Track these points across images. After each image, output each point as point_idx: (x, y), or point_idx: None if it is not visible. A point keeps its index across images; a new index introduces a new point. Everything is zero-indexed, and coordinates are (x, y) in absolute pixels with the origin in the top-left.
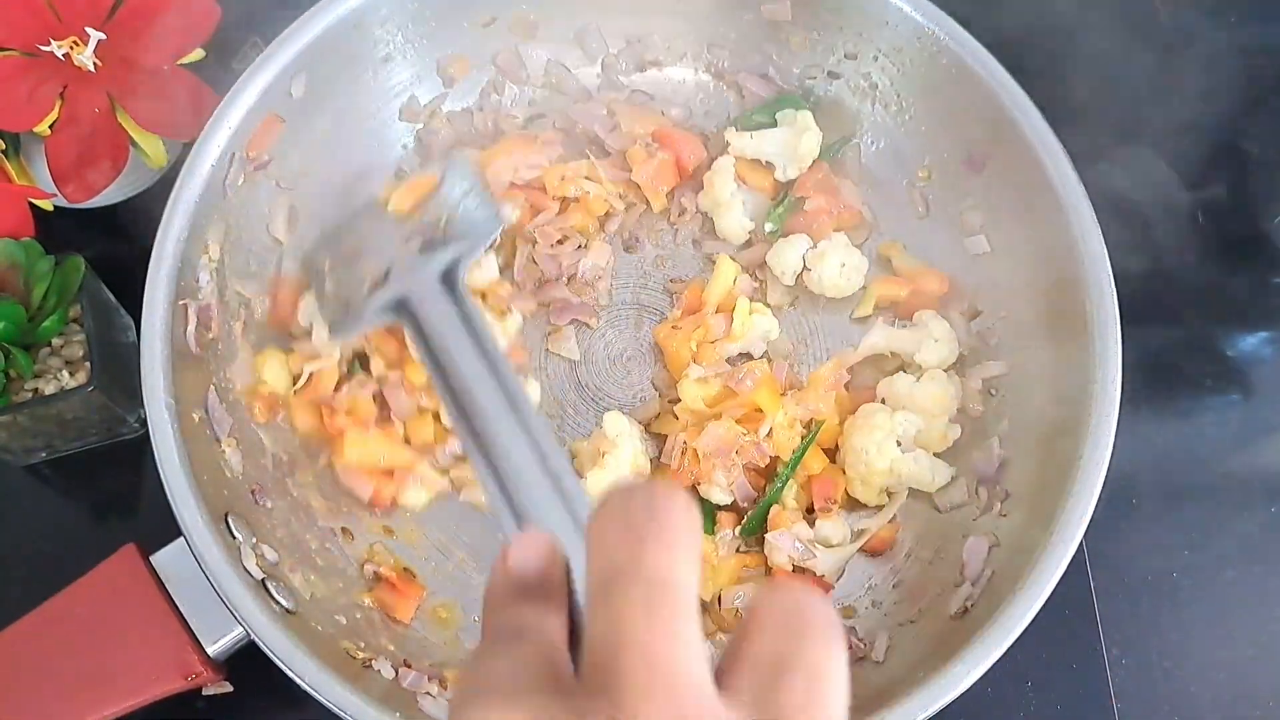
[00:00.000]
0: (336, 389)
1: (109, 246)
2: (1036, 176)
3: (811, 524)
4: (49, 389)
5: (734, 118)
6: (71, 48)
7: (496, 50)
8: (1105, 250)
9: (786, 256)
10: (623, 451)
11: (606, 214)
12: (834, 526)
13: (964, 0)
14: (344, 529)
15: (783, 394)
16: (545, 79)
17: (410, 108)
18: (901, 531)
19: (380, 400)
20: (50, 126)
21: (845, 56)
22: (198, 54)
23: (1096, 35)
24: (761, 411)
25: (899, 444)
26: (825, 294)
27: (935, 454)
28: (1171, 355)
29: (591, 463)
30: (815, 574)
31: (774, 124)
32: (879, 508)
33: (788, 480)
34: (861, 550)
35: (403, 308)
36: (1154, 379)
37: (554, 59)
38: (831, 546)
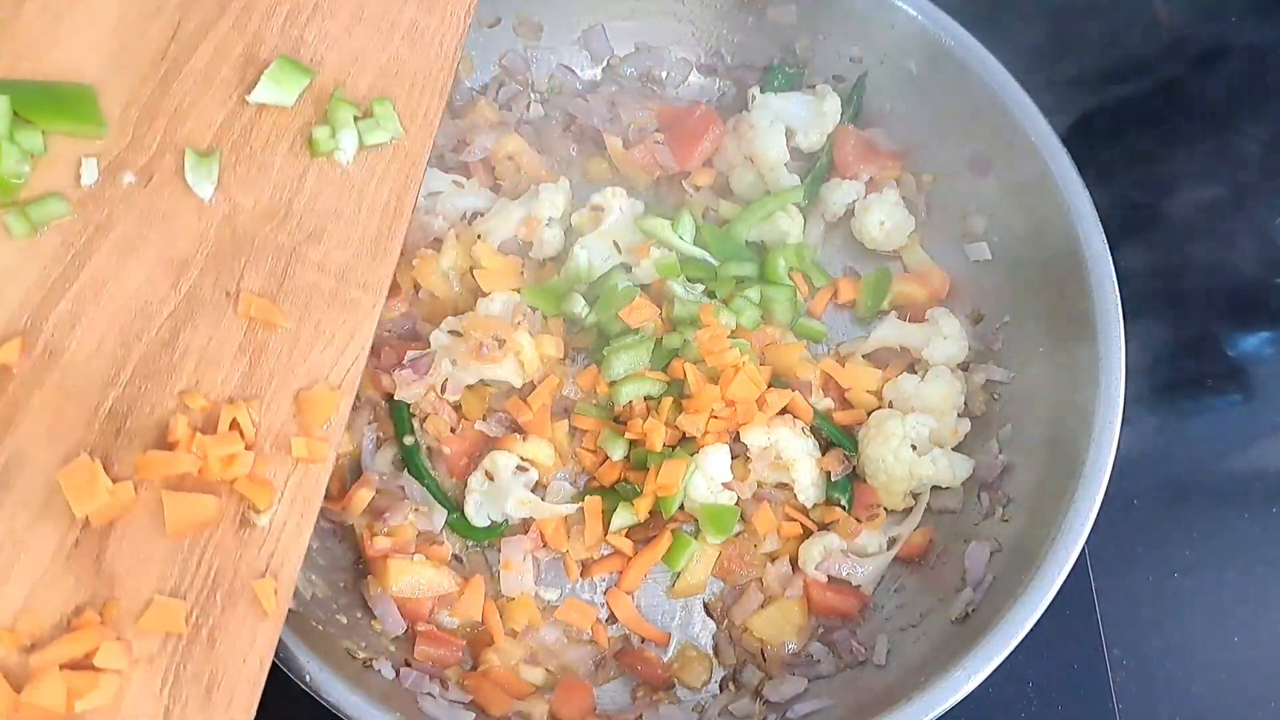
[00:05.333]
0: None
1: None
2: (1040, 180)
3: (853, 534)
4: None
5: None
6: None
7: (502, 51)
8: (1109, 255)
9: (834, 197)
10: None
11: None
12: (871, 536)
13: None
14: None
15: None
16: (550, 83)
17: None
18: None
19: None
20: None
21: (850, 60)
22: None
23: (1097, 35)
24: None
25: (914, 447)
26: (864, 244)
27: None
28: (1172, 356)
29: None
30: (851, 585)
31: (798, 86)
32: (907, 511)
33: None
34: (896, 558)
35: None
36: (1155, 379)
37: (560, 62)
38: (868, 556)
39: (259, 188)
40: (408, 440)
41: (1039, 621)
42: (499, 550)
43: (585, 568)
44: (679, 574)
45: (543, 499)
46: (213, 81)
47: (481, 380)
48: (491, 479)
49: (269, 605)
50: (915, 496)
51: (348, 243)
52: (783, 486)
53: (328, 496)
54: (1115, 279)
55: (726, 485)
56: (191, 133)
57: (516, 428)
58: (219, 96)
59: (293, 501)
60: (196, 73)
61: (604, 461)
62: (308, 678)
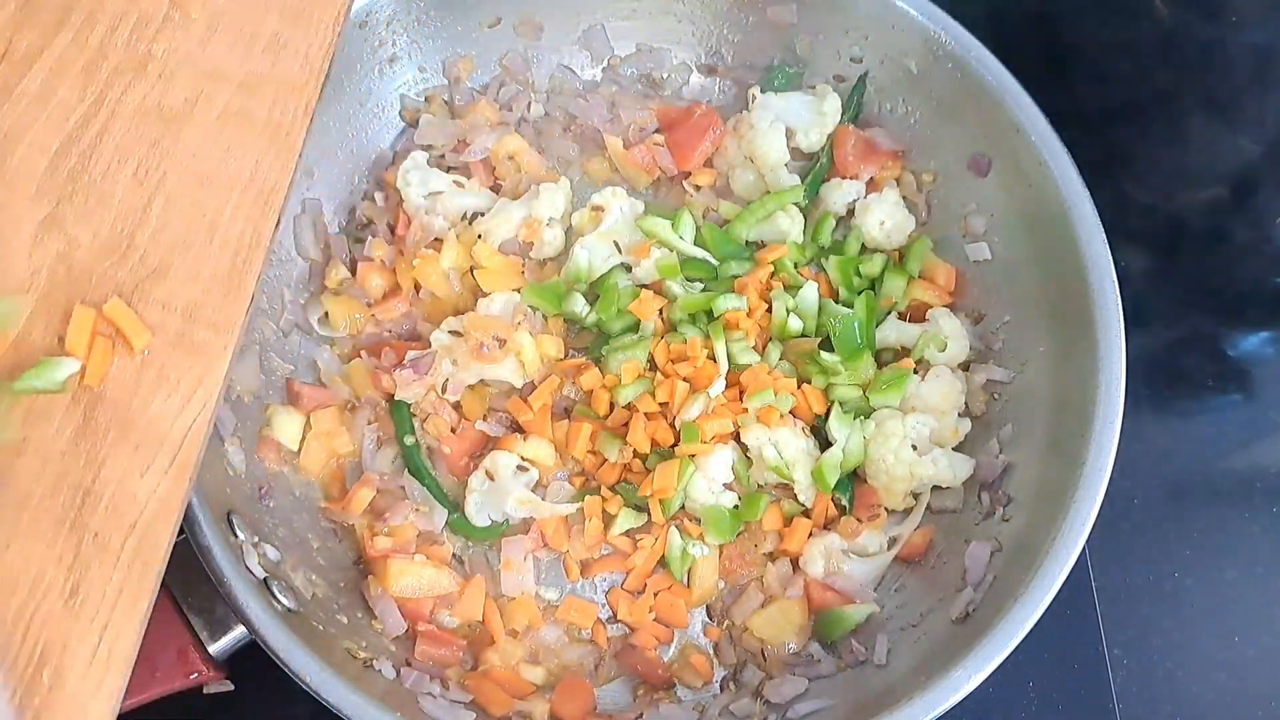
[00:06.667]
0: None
1: None
2: (1041, 179)
3: (854, 534)
4: None
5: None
6: None
7: (503, 51)
8: (1109, 254)
9: (834, 197)
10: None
11: None
12: (871, 536)
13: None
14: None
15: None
16: (550, 83)
17: (414, 106)
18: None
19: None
20: None
21: (851, 60)
22: None
23: (1098, 35)
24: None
25: (914, 447)
26: (865, 244)
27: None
28: (1173, 355)
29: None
30: (848, 590)
31: (798, 87)
32: (907, 511)
33: None
34: (897, 558)
35: None
36: (1155, 379)
37: (561, 63)
38: (868, 556)
39: (98, 219)
40: (408, 440)
41: (1039, 621)
42: (499, 550)
43: (585, 567)
44: (692, 585)
45: (543, 499)
46: (49, 103)
47: (482, 380)
48: (492, 479)
49: (101, 680)
50: (916, 496)
51: (196, 278)
52: (783, 486)
53: (328, 497)
54: (1115, 279)
55: (727, 486)
56: (23, 162)
57: (517, 427)
58: (56, 120)
59: (129, 565)
60: (30, 95)
61: (604, 462)
62: (308, 678)
